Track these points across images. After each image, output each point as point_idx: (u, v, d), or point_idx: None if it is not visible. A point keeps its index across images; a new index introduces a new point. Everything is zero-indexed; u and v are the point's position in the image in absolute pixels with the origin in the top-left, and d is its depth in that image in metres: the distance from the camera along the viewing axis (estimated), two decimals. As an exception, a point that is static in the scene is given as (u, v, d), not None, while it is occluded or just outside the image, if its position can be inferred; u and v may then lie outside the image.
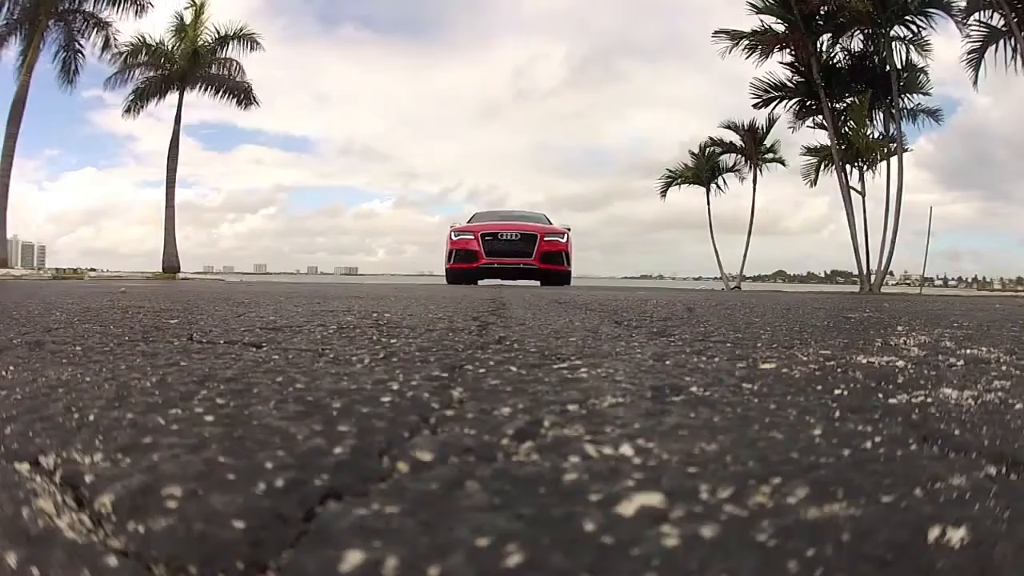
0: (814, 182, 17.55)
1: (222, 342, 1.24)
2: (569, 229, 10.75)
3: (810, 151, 17.47)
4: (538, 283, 10.24)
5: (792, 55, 15.29)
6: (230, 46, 18.17)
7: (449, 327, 1.59)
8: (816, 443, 0.57)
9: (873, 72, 14.86)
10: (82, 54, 17.32)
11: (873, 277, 14.69)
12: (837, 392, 0.81)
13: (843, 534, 0.38)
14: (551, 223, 11.26)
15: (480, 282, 10.30)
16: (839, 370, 0.99)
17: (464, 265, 9.96)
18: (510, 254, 9.94)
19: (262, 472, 0.47)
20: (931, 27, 14.06)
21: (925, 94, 15.44)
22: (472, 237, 10.02)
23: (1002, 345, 1.41)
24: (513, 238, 10.02)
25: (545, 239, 10.03)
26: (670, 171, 19.77)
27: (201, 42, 17.85)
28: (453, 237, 10.21)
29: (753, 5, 14.89)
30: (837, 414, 0.68)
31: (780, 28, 14.97)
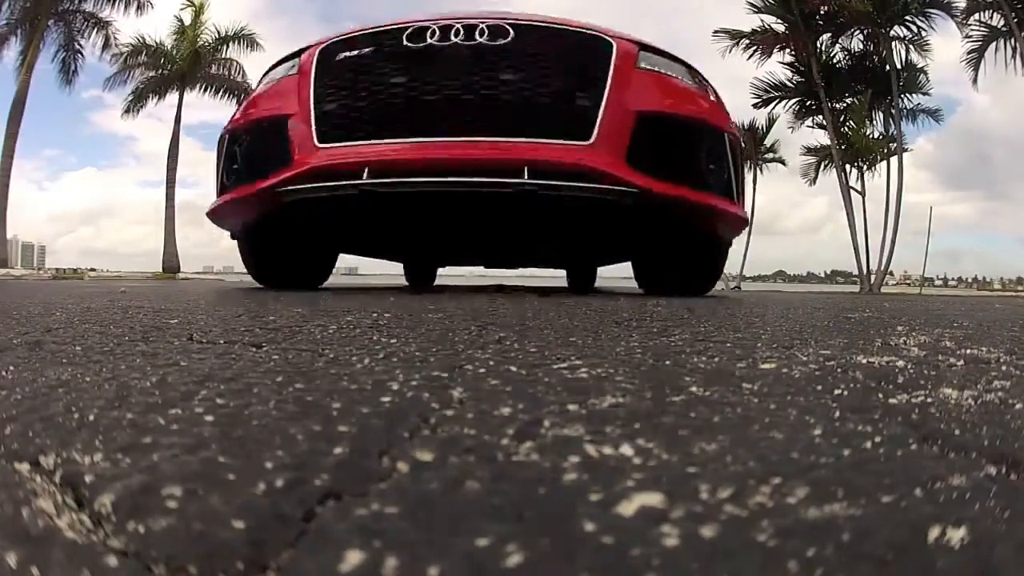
0: (813, 181, 17.62)
1: (222, 342, 1.23)
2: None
3: (810, 151, 17.53)
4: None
5: (792, 55, 15.31)
6: (230, 47, 18.19)
7: (449, 327, 1.59)
8: (816, 443, 0.57)
9: (873, 72, 14.86)
10: (82, 54, 17.36)
11: (873, 277, 14.69)
12: (837, 392, 0.81)
13: (843, 534, 0.38)
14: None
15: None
16: (839, 370, 0.99)
17: (249, 189, 2.46)
18: (471, 128, 2.15)
19: (262, 472, 0.47)
20: (931, 27, 14.07)
21: (925, 94, 15.47)
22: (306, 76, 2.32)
23: (1002, 345, 1.41)
24: (482, 43, 2.12)
25: (641, 66, 2.28)
26: (670, 171, 19.80)
27: (201, 42, 17.86)
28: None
29: (753, 5, 14.90)
30: (837, 414, 0.68)
31: (780, 28, 14.97)
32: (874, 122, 15.66)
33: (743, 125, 17.97)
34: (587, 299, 3.38)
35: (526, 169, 1.95)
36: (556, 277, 4.44)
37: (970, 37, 13.93)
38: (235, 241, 3.17)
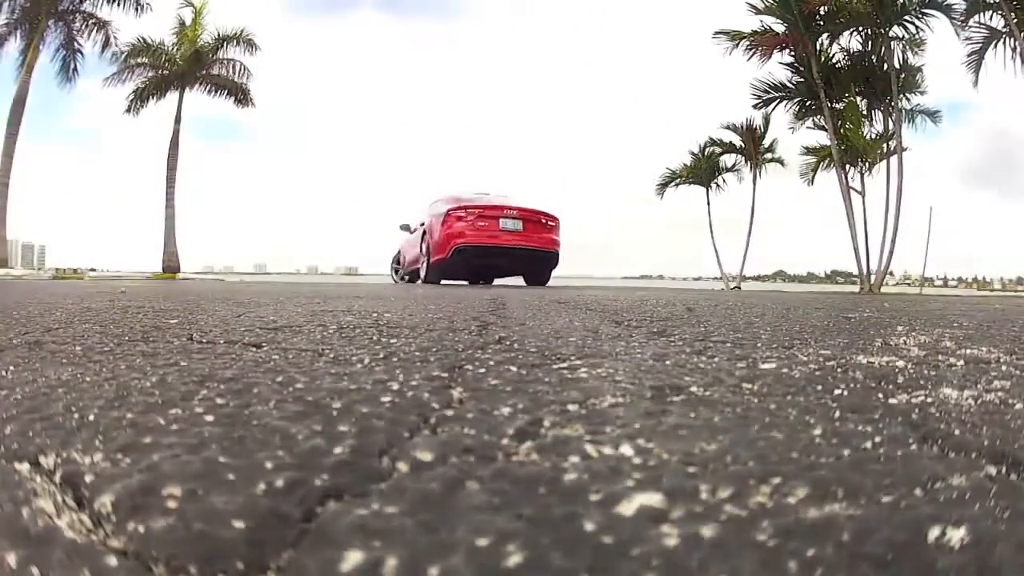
0: (811, 181, 17.60)
1: (222, 342, 1.23)
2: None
3: (809, 151, 17.52)
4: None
5: (792, 55, 15.31)
6: (229, 48, 18.22)
7: (449, 327, 1.59)
8: (816, 443, 0.57)
9: (872, 72, 14.88)
10: (81, 53, 17.35)
11: (873, 277, 14.68)
12: (837, 392, 0.81)
13: (843, 534, 0.38)
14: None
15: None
16: (839, 370, 0.99)
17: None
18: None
19: (262, 472, 0.47)
20: (928, 27, 14.08)
21: (922, 94, 15.50)
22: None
23: (1002, 345, 1.41)
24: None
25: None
26: (670, 170, 19.78)
27: (201, 43, 17.88)
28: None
29: (753, 6, 14.90)
30: (837, 414, 0.68)
31: (780, 28, 14.98)
32: (873, 122, 15.69)
33: (743, 126, 18.02)
34: (586, 299, 3.37)
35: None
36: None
37: (970, 39, 13.94)
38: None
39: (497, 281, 8.70)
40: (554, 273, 8.79)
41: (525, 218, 7.90)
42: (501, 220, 7.79)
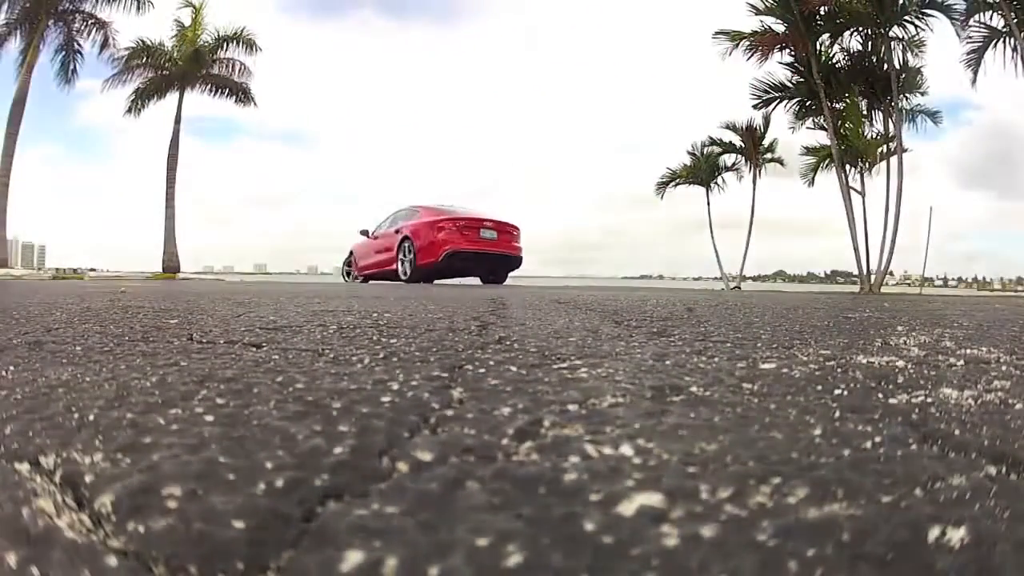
0: (812, 181, 17.59)
1: (222, 342, 1.23)
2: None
3: (809, 151, 17.52)
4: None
5: (792, 55, 15.31)
6: (229, 48, 18.22)
7: (449, 327, 1.59)
8: (816, 443, 0.57)
9: (872, 72, 14.88)
10: (81, 54, 17.35)
11: (873, 277, 14.68)
12: (837, 392, 0.81)
13: (843, 534, 0.38)
14: None
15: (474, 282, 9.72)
16: (839, 370, 0.99)
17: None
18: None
19: (262, 472, 0.47)
20: (928, 27, 14.07)
21: (923, 94, 15.50)
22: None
23: (1002, 345, 1.41)
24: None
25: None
26: (669, 170, 19.77)
27: (201, 43, 17.88)
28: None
29: (753, 6, 14.90)
30: (837, 414, 0.68)
31: (780, 28, 14.98)
32: (873, 122, 15.70)
33: (742, 125, 18.04)
34: (586, 300, 3.37)
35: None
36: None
37: (971, 39, 13.94)
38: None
39: (445, 281, 9.54)
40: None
41: (498, 228, 9.61)
42: (481, 230, 9.36)
